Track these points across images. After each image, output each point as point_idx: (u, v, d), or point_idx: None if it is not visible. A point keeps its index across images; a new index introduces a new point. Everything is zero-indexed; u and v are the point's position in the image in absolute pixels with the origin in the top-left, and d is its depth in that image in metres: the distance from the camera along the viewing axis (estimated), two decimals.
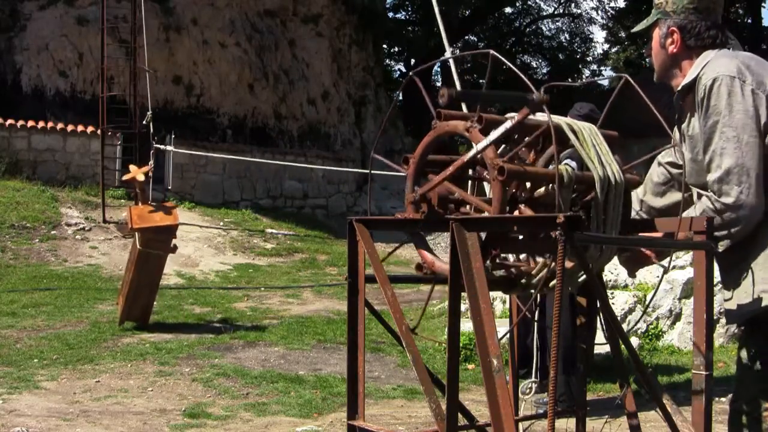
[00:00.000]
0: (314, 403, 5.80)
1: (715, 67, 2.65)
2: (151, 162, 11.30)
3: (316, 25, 22.89)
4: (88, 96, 17.98)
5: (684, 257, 7.39)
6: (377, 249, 2.65)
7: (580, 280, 2.57)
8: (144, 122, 14.02)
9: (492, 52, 2.49)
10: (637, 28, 2.91)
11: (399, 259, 14.74)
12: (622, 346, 2.60)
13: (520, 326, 4.63)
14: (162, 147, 15.39)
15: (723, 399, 5.92)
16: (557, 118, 2.54)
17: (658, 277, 7.79)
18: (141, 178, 8.62)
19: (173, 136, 17.63)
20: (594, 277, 2.42)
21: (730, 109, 2.57)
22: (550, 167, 2.47)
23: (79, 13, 18.34)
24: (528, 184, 2.53)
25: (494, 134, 2.38)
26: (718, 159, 2.59)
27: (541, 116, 2.49)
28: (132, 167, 9.02)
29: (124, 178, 9.44)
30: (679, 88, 2.77)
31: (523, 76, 2.43)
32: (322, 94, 22.98)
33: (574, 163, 3.00)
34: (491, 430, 2.20)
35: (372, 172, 2.81)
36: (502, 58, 2.44)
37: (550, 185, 2.44)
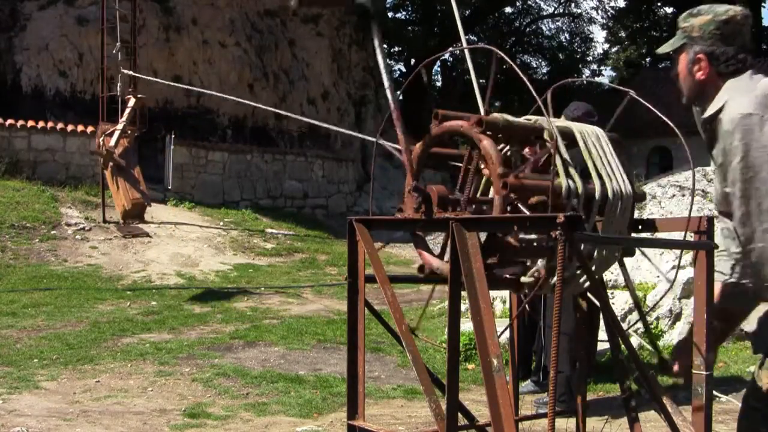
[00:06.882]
0: (314, 403, 5.80)
1: (736, 103, 2.56)
2: None
3: (316, 25, 22.89)
4: (88, 96, 17.97)
5: (684, 257, 7.39)
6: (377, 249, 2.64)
7: (581, 281, 2.57)
8: None
9: (495, 50, 2.49)
10: (661, 50, 2.79)
11: (399, 259, 14.74)
12: (623, 346, 2.60)
13: (520, 332, 4.62)
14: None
15: (723, 399, 5.92)
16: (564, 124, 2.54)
17: (658, 277, 7.78)
18: None
19: (173, 136, 17.61)
20: (594, 278, 2.42)
21: (748, 148, 2.49)
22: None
23: (79, 13, 18.33)
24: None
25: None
26: (736, 201, 2.53)
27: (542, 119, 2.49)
28: None
29: None
30: (705, 116, 2.67)
31: (522, 76, 2.43)
32: (322, 94, 22.98)
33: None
34: (491, 430, 2.20)
35: (377, 147, 2.82)
36: (505, 57, 2.45)
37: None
